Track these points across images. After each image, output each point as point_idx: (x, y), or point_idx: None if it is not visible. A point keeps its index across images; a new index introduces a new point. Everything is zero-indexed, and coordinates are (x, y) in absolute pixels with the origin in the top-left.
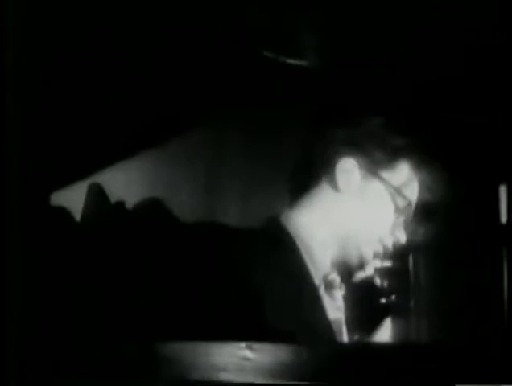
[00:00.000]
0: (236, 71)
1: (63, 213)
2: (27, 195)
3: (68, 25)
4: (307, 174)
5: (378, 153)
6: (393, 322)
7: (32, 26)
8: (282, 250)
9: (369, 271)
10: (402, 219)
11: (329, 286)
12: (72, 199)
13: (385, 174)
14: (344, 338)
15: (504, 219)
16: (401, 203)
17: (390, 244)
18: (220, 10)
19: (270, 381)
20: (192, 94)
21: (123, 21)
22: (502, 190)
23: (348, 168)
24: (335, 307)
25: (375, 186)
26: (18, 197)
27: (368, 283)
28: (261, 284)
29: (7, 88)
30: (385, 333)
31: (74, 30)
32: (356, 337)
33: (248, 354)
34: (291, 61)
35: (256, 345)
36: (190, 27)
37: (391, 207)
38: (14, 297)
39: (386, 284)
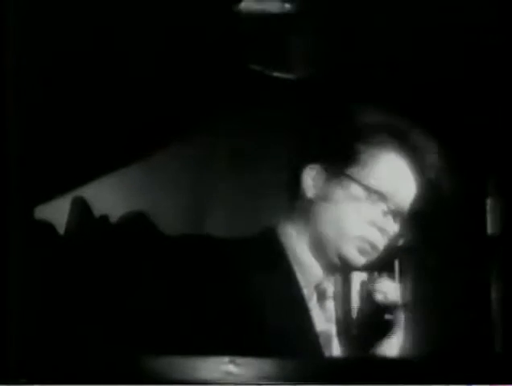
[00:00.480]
0: (222, 83)
1: (48, 227)
2: (25, 203)
3: (66, 26)
4: (293, 185)
5: (358, 158)
6: (386, 331)
7: (32, 26)
8: (271, 262)
9: (360, 278)
10: (392, 223)
11: (321, 296)
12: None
13: (369, 179)
14: (334, 350)
15: (494, 223)
16: (389, 207)
17: (380, 250)
18: (219, 13)
19: None
20: (177, 108)
21: (122, 24)
22: (489, 201)
23: (324, 175)
24: (325, 318)
25: (360, 192)
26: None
27: (359, 291)
28: (248, 297)
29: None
30: (378, 344)
31: (72, 33)
32: (346, 348)
33: (231, 368)
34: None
35: (240, 359)
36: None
37: (379, 213)
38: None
39: (377, 290)
